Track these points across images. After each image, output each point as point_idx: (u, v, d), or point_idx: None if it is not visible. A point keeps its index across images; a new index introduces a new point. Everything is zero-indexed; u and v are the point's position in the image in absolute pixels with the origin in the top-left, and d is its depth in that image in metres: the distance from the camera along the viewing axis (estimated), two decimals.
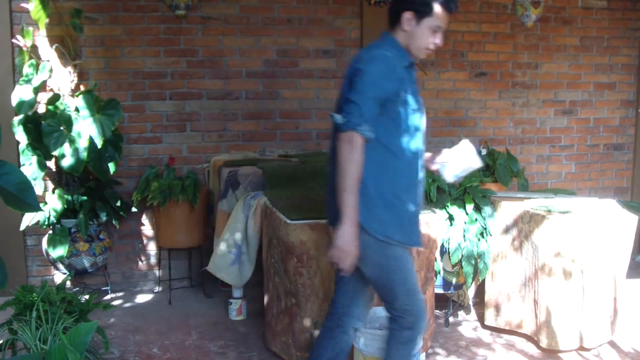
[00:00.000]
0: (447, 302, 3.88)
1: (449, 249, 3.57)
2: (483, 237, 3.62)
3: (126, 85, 4.47)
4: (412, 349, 2.49)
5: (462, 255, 3.57)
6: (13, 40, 4.09)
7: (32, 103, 3.97)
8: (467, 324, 3.87)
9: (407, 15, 2.36)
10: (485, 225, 3.61)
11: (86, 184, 4.24)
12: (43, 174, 4.01)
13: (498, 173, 4.63)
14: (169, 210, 4.17)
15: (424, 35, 2.37)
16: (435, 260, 3.45)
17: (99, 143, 3.94)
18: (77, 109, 3.95)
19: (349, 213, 2.24)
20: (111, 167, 4.15)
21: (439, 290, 3.68)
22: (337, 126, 2.29)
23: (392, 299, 2.45)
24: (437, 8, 2.35)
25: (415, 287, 2.49)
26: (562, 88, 5.30)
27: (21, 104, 3.93)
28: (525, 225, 3.43)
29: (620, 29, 5.35)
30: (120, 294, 4.50)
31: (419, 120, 2.43)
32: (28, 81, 3.96)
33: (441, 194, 3.79)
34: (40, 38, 4.25)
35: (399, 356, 2.49)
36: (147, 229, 4.60)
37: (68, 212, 4.08)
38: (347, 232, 2.24)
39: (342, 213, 2.24)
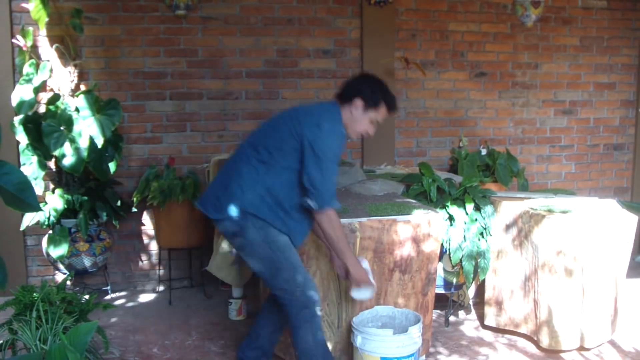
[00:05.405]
0: (447, 302, 3.89)
1: (449, 249, 3.56)
2: (483, 237, 3.61)
3: (126, 85, 4.47)
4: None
5: (463, 255, 3.56)
6: (13, 40, 4.09)
7: (33, 103, 3.97)
8: (468, 324, 3.87)
9: (358, 102, 2.71)
10: (485, 225, 3.60)
11: (86, 184, 4.24)
12: (43, 173, 4.01)
13: (498, 173, 4.64)
14: (169, 210, 4.17)
15: (364, 123, 2.75)
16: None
17: (99, 143, 3.94)
18: (77, 109, 3.95)
19: (351, 260, 2.72)
20: (111, 167, 4.16)
21: (440, 291, 3.68)
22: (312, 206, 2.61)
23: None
24: (383, 106, 2.74)
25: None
26: (562, 88, 5.30)
27: (21, 104, 3.94)
28: (525, 225, 3.43)
29: (620, 29, 5.35)
30: (121, 294, 4.50)
31: None
32: (28, 81, 3.97)
33: (441, 194, 3.79)
34: (40, 38, 4.25)
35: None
36: (147, 229, 4.60)
37: (68, 212, 4.08)
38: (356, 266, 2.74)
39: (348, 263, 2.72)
